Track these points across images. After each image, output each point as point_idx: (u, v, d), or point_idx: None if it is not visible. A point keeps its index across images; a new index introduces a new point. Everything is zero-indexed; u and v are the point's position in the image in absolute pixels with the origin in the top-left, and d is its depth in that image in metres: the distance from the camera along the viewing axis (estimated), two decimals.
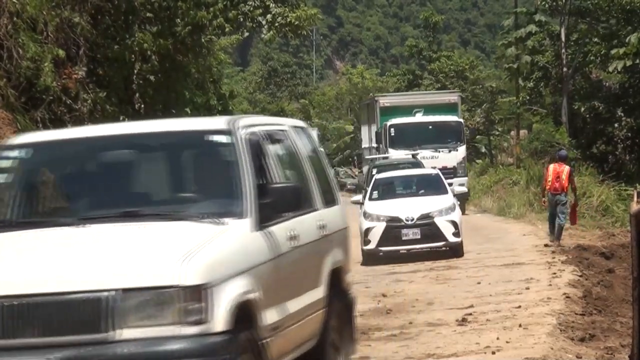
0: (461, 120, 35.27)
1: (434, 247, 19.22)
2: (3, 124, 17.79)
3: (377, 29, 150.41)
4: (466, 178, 34.37)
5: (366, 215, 19.50)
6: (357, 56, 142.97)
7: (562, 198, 20.83)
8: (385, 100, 37.84)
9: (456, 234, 19.09)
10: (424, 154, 31.44)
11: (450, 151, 33.28)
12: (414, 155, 30.35)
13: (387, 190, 21.05)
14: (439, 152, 32.98)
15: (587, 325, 11.10)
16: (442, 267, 17.96)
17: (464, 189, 32.77)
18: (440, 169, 31.38)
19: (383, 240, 19.03)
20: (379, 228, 19.11)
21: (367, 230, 19.20)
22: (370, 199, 20.44)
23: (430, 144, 32.91)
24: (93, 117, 20.34)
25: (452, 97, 37.90)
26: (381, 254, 19.29)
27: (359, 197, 22.75)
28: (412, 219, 19.01)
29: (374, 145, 36.39)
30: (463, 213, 33.01)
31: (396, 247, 19.20)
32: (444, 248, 19.31)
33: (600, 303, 12.73)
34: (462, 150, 33.86)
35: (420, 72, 63.02)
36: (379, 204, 19.98)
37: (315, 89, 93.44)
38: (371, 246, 19.14)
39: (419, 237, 18.99)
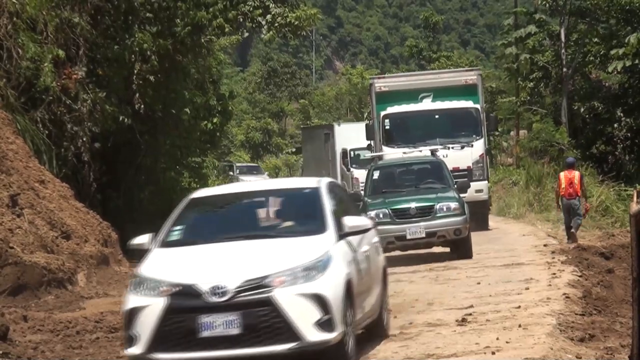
0: (478, 106, 26.46)
1: (269, 352, 8.95)
2: (3, 124, 17.78)
3: (377, 29, 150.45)
4: (485, 182, 26.39)
5: (136, 281, 9.47)
6: (357, 56, 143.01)
7: (576, 202, 22.12)
8: (382, 83, 28.46)
9: (325, 323, 9.00)
10: (427, 152, 23.49)
11: (462, 147, 25.78)
12: (433, 152, 22.92)
13: (202, 224, 10.60)
14: (449, 149, 25.25)
15: (587, 326, 11.10)
16: (441, 268, 17.94)
17: (484, 196, 25.82)
18: (450, 171, 22.16)
19: (160, 338, 9.07)
20: (152, 310, 9.09)
21: (132, 315, 9.21)
22: (164, 243, 10.00)
23: (437, 139, 25.45)
24: (93, 117, 20.36)
25: (469, 76, 28.19)
26: None
27: (144, 239, 10.10)
28: (224, 292, 8.97)
29: (367, 142, 28.74)
30: (486, 228, 25.55)
31: (187, 353, 9.05)
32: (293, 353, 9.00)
33: (600, 303, 12.74)
34: (479, 146, 26.10)
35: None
36: (171, 255, 9.79)
37: (315, 89, 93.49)
38: (137, 349, 9.15)
39: (237, 331, 8.94)
